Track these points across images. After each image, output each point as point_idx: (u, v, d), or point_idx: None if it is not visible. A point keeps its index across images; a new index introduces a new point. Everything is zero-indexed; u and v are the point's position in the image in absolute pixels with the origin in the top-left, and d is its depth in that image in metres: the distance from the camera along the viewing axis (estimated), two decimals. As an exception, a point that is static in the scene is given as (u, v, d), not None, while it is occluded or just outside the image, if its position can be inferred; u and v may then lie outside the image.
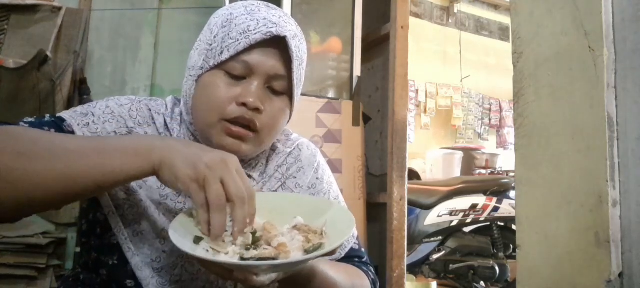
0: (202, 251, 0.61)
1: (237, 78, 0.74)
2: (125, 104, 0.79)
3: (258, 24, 0.73)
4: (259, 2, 0.79)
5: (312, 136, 2.06)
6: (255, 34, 0.72)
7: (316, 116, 2.11)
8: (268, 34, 0.72)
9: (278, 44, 0.74)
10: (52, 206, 0.63)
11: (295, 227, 0.67)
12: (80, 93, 2.51)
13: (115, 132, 0.75)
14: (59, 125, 0.72)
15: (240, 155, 0.72)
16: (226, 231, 0.62)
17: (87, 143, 0.63)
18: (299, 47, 0.77)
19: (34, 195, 0.58)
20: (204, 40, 0.77)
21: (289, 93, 0.78)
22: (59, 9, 2.35)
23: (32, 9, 2.31)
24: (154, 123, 0.79)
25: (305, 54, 0.80)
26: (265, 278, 0.60)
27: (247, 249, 0.62)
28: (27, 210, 0.61)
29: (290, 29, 0.75)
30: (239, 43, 0.72)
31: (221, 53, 0.73)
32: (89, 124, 0.74)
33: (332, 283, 0.75)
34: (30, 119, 0.71)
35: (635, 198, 0.81)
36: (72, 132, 0.72)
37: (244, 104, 0.72)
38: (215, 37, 0.75)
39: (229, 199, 0.60)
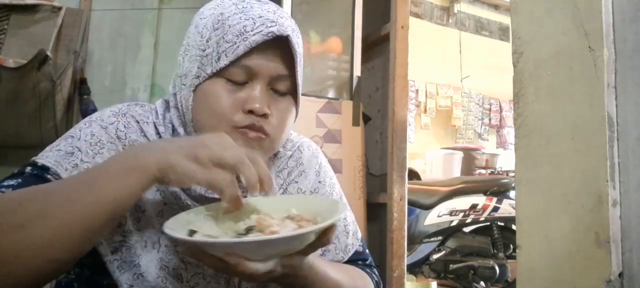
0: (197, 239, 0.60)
1: (239, 83, 0.69)
2: (111, 123, 0.72)
3: (255, 23, 0.68)
4: None
5: (312, 136, 2.06)
6: (254, 35, 0.67)
7: (316, 116, 2.11)
8: (269, 35, 0.67)
9: (278, 43, 0.69)
10: (63, 266, 0.57)
11: (287, 217, 0.65)
12: (80, 93, 2.51)
13: None
14: (43, 177, 0.65)
15: None
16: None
17: (75, 185, 0.58)
18: (298, 44, 0.72)
19: (41, 265, 0.53)
20: (193, 44, 0.72)
21: (293, 92, 0.74)
22: (59, 8, 2.35)
23: (32, 8, 2.31)
24: (145, 136, 0.74)
25: (302, 48, 0.76)
26: (257, 265, 0.57)
27: (239, 237, 0.61)
28: (46, 279, 0.55)
29: (288, 25, 0.71)
30: (237, 46, 0.67)
31: (218, 59, 0.68)
32: (77, 164, 0.67)
33: (334, 283, 0.72)
34: (11, 182, 0.64)
35: (635, 198, 0.81)
36: (58, 176, 0.66)
37: (250, 111, 0.68)
38: (208, 41, 0.69)
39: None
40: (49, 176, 0.65)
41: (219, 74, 0.69)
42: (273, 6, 0.73)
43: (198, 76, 0.70)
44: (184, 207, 0.71)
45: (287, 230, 0.61)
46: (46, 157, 0.68)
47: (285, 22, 0.70)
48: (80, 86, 2.51)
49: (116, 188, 0.56)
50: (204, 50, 0.70)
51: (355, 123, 2.18)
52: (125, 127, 0.73)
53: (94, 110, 2.54)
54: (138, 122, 0.74)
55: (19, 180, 0.65)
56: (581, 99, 0.87)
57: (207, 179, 0.57)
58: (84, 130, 0.71)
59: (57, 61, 2.25)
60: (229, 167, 0.57)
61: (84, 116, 2.54)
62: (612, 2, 0.86)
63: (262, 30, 0.67)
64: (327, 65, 2.29)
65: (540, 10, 0.97)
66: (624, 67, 0.84)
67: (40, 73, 2.09)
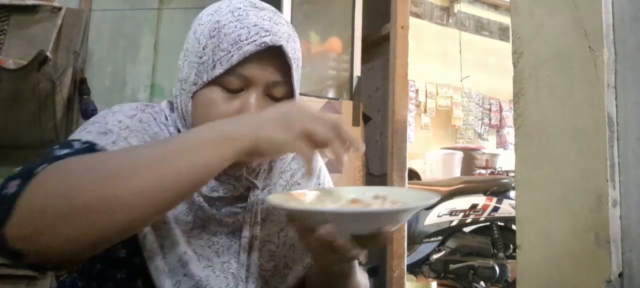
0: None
1: (234, 91, 0.70)
2: (133, 114, 0.74)
3: (249, 32, 0.68)
4: (244, 1, 0.73)
5: (312, 136, 2.06)
6: (248, 44, 0.68)
7: (316, 116, 2.10)
8: (262, 45, 0.68)
9: (273, 51, 0.69)
10: (139, 226, 0.58)
11: (376, 197, 0.69)
12: (80, 93, 2.51)
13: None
14: (93, 151, 0.65)
15: (250, 165, 0.74)
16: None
17: (163, 149, 0.58)
18: (294, 49, 0.73)
19: (125, 220, 0.52)
20: (192, 50, 0.73)
21: (289, 97, 0.74)
22: (59, 9, 2.35)
23: (32, 9, 2.31)
24: (160, 132, 0.75)
25: (300, 51, 0.76)
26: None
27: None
28: (114, 239, 0.55)
29: (284, 32, 0.71)
30: (231, 55, 0.68)
31: (214, 67, 0.69)
32: (114, 141, 0.68)
33: (356, 274, 0.78)
34: (64, 151, 0.63)
35: (635, 198, 0.81)
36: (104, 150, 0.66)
37: None
38: (204, 48, 0.70)
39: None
40: (97, 150, 0.66)
41: (214, 81, 0.70)
42: (269, 12, 0.73)
43: (195, 83, 0.71)
44: (195, 202, 0.72)
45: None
46: (83, 135, 0.67)
47: (280, 30, 0.71)
48: (80, 86, 2.51)
49: (209, 156, 0.57)
50: (200, 58, 0.71)
51: (355, 123, 2.18)
52: (147, 121, 0.74)
53: (94, 110, 2.54)
54: (155, 119, 0.76)
55: (71, 150, 0.64)
56: (581, 99, 0.87)
57: (298, 148, 0.61)
58: (108, 117, 0.72)
59: (57, 61, 2.26)
60: (318, 138, 0.62)
61: (84, 116, 2.54)
62: (612, 2, 0.86)
63: (255, 40, 0.68)
64: (327, 65, 2.29)
65: (540, 10, 0.97)
66: (624, 67, 0.84)
67: (40, 74, 2.10)
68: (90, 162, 0.55)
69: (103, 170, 0.53)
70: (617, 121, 0.83)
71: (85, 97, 2.52)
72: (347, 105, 2.17)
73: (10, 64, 2.05)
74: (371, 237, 0.60)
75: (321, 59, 2.29)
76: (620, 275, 0.80)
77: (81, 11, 2.48)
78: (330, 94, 2.26)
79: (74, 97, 2.50)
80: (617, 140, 0.83)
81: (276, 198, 0.67)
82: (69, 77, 2.35)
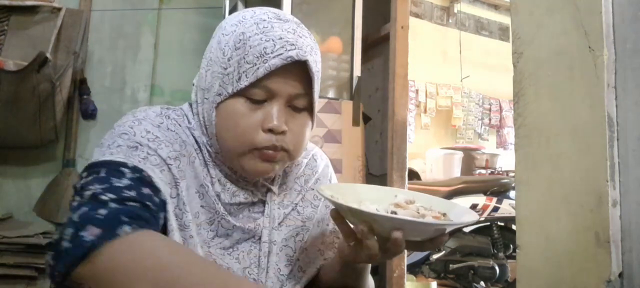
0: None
1: (258, 101, 0.71)
2: (160, 122, 0.75)
3: (275, 45, 0.69)
4: (268, 13, 0.74)
5: (312, 136, 2.06)
6: (274, 58, 0.68)
7: (316, 116, 2.10)
8: (288, 59, 0.69)
9: (297, 63, 0.70)
10: None
11: (418, 210, 0.71)
12: (80, 93, 2.51)
13: (168, 156, 0.71)
14: (142, 180, 0.66)
15: (271, 174, 0.75)
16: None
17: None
18: (316, 61, 0.74)
19: None
20: (216, 61, 0.73)
21: (309, 107, 0.76)
22: (59, 9, 2.35)
23: (32, 9, 2.31)
24: (187, 138, 0.76)
25: (320, 62, 0.77)
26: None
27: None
28: None
29: (307, 45, 0.72)
30: (257, 68, 0.68)
31: (239, 79, 0.70)
32: (146, 157, 0.69)
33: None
34: (120, 183, 0.63)
35: (635, 198, 0.81)
36: (150, 177, 0.67)
37: (270, 130, 0.71)
38: (229, 60, 0.71)
39: None
40: (145, 178, 0.66)
41: (239, 93, 0.71)
42: (293, 25, 0.73)
43: (220, 94, 0.72)
44: (219, 212, 0.74)
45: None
46: (116, 155, 0.67)
47: (304, 44, 0.71)
48: (80, 86, 2.51)
49: None
50: (225, 69, 0.71)
51: (355, 123, 2.18)
52: (174, 128, 0.75)
53: (94, 110, 2.54)
54: (180, 125, 0.77)
55: (129, 182, 0.64)
56: (581, 99, 0.87)
57: None
58: (136, 127, 0.72)
59: (56, 62, 2.25)
60: None
61: (84, 116, 2.54)
62: (612, 2, 0.86)
63: (281, 54, 0.69)
64: (327, 65, 2.29)
65: (540, 10, 0.97)
66: (624, 67, 0.84)
67: (40, 75, 2.09)
68: (156, 263, 0.54)
69: (162, 278, 0.53)
70: (617, 121, 0.83)
71: (85, 97, 2.52)
72: (347, 105, 2.17)
73: (11, 65, 2.05)
74: (424, 241, 0.67)
75: (321, 59, 2.28)
76: (620, 275, 0.80)
77: (81, 11, 2.47)
78: (330, 94, 2.26)
79: (74, 97, 2.49)
80: (617, 140, 0.83)
81: (336, 194, 0.71)
82: (69, 78, 2.34)
